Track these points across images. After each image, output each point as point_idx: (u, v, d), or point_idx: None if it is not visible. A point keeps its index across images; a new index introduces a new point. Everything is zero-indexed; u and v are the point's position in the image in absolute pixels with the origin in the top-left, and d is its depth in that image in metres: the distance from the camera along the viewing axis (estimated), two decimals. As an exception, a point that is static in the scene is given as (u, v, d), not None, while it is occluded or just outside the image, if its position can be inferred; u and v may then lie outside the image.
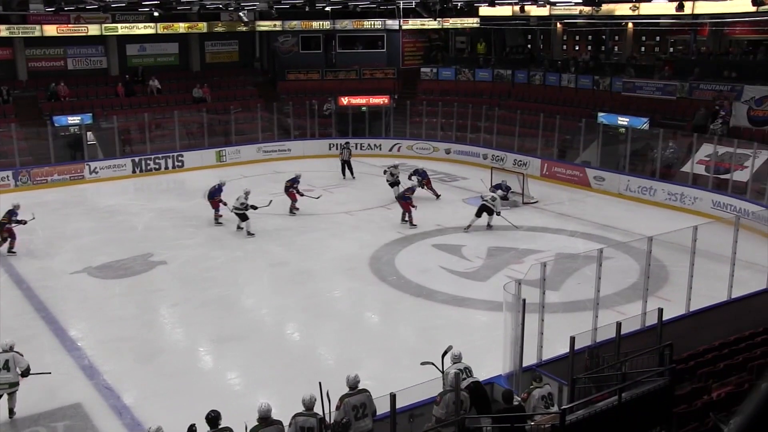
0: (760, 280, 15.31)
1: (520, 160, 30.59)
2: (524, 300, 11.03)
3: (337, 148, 35.02)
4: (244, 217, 22.17)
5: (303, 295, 17.44)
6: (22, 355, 12.11)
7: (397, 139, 35.33)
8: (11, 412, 12.14)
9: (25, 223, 21.03)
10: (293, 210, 24.59)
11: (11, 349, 12.10)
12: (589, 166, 28.76)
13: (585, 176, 28.21)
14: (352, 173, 30.39)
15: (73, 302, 17.19)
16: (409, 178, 26.18)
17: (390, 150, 34.99)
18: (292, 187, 24.65)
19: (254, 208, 22.05)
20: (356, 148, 35.06)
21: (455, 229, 22.47)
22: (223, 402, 10.18)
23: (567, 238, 21.98)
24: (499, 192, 23.69)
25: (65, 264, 19.81)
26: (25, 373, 12.03)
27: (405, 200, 22.84)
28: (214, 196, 23.65)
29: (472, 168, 31.75)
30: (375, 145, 35.25)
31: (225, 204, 23.21)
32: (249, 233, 22.06)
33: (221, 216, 23.43)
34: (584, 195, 27.19)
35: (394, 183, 26.18)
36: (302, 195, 24.62)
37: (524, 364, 11.28)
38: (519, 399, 10.04)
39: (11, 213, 20.96)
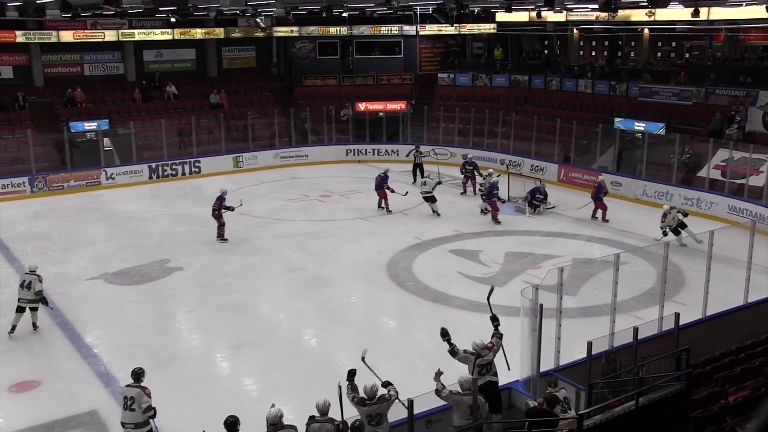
0: (777, 285, 15.34)
1: (538, 166, 30.57)
2: (542, 305, 11.04)
3: (354, 154, 35.21)
4: (432, 200, 23.45)
5: (320, 300, 17.50)
6: (41, 281, 15.28)
7: (414, 144, 35.38)
8: (34, 326, 15.45)
9: (233, 209, 22.05)
10: (496, 220, 23.74)
11: (34, 272, 15.37)
12: (606, 171, 28.70)
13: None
14: (423, 176, 29.79)
15: (89, 308, 17.25)
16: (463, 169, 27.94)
17: (407, 155, 35.02)
18: (492, 195, 23.91)
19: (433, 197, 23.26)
20: (373, 154, 35.25)
21: (472, 235, 22.48)
22: (239, 408, 10.25)
23: (584, 243, 21.97)
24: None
25: (81, 270, 19.94)
26: (38, 294, 15.21)
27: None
28: (383, 185, 23.78)
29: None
30: (392, 150, 35.35)
31: (393, 191, 23.92)
32: (437, 213, 23.41)
33: (389, 205, 24.00)
34: (601, 200, 27.12)
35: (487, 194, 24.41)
36: (503, 202, 24.30)
37: (542, 370, 11.31)
38: (536, 403, 10.08)
39: (221, 199, 21.97)
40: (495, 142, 33.58)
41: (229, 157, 33.21)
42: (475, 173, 27.87)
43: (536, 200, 25.03)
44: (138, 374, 10.66)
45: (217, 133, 33.92)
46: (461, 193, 27.76)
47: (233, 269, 19.87)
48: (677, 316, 11.65)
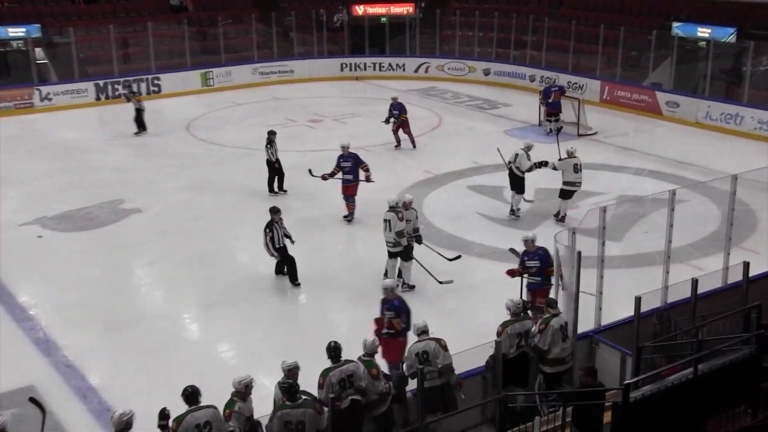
0: None
1: (576, 83, 30.36)
2: (579, 253, 11.03)
3: (351, 69, 34.92)
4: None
5: (309, 247, 17.39)
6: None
7: (424, 57, 35.18)
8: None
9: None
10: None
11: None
12: (661, 88, 28.52)
13: (655, 101, 27.99)
14: (143, 129, 27.57)
15: (24, 261, 17.14)
16: (388, 120, 25.02)
17: (416, 71, 34.91)
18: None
19: None
20: (374, 69, 34.97)
21: (495, 167, 22.41)
22: (213, 379, 10.29)
23: (632, 177, 21.99)
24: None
25: (12, 214, 19.84)
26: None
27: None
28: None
29: (516, 92, 31.65)
30: (397, 65, 35.21)
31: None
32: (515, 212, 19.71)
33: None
34: (654, 124, 27.01)
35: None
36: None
37: (579, 331, 11.33)
38: (536, 330, 10.76)
39: None
40: (523, 53, 33.39)
41: (196, 73, 33.09)
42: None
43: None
44: (194, 394, 9.34)
45: (180, 43, 33.65)
46: (395, 147, 25.43)
47: (204, 211, 19.90)
48: (746, 266, 11.66)
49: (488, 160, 22.95)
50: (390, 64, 35.32)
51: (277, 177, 21.02)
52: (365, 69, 35.37)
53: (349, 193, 19.08)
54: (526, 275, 13.37)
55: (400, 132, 24.91)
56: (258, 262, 17.22)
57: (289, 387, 9.34)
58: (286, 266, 15.81)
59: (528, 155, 18.78)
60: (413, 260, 15.47)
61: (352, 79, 34.88)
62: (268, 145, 20.78)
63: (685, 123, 26.90)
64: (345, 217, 19.08)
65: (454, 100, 31.46)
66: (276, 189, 21.02)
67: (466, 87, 33.03)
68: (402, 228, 15.19)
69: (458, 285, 15.66)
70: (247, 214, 19.63)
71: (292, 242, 15.77)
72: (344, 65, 35.38)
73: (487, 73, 33.96)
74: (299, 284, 15.66)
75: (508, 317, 10.98)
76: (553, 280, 11.94)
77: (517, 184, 18.93)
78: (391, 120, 24.82)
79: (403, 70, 34.96)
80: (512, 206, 19.05)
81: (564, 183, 18.46)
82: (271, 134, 21.03)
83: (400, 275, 15.67)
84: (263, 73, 34.38)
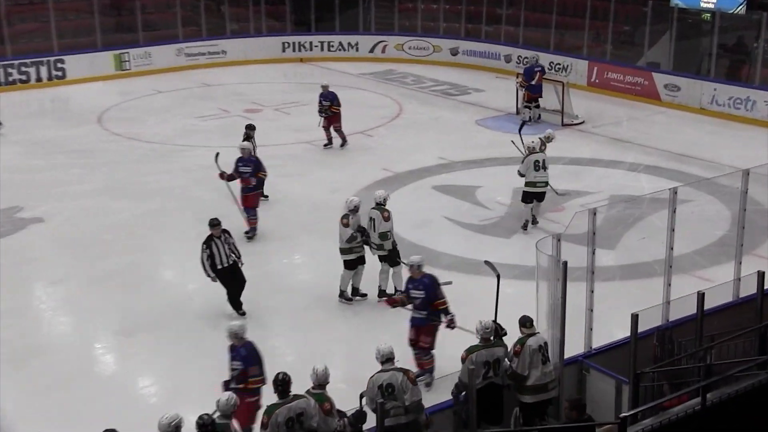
0: None
1: (559, 63, 30.52)
2: (566, 263, 11.05)
3: (294, 49, 34.84)
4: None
5: (248, 262, 17.25)
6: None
7: (380, 34, 35.18)
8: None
9: None
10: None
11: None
12: (658, 69, 28.71)
13: (652, 84, 28.20)
14: None
15: None
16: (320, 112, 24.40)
17: (371, 51, 34.92)
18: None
19: None
20: (323, 49, 34.92)
21: (466, 164, 22.46)
22: (133, 420, 10.21)
23: (626, 173, 22.15)
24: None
25: None
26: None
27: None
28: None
29: (488, 75, 31.67)
30: (349, 44, 35.23)
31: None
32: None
33: None
34: (651, 111, 27.21)
35: None
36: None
37: (567, 355, 11.35)
38: (511, 354, 10.85)
39: None
40: (497, 30, 33.54)
41: (109, 55, 32.90)
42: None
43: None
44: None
45: (88, 18, 33.38)
46: (324, 146, 25.07)
47: (120, 219, 19.75)
48: (761, 276, 11.73)
49: (457, 155, 23.05)
50: (341, 43, 35.31)
51: None
52: (311, 49, 35.33)
53: (249, 204, 18.65)
54: (409, 307, 13.33)
55: (332, 128, 24.40)
56: (187, 280, 17.14)
57: (201, 425, 9.24)
58: (228, 291, 15.29)
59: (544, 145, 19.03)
60: (401, 264, 15.46)
61: (296, 61, 34.85)
62: (245, 143, 20.15)
63: (687, 109, 27.13)
64: (246, 233, 18.54)
65: (416, 85, 31.52)
66: None
67: (431, 69, 33.13)
68: (387, 229, 15.51)
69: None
70: (174, 223, 19.66)
71: (241, 263, 15.36)
72: (286, 45, 35.31)
73: (454, 53, 34.03)
74: (244, 313, 15.22)
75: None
76: (540, 297, 11.87)
77: None
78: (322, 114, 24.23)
79: (356, 50, 34.96)
80: None
81: (525, 184, 18.40)
82: (250, 129, 20.63)
83: (356, 293, 15.93)
84: (190, 55, 34.21)
